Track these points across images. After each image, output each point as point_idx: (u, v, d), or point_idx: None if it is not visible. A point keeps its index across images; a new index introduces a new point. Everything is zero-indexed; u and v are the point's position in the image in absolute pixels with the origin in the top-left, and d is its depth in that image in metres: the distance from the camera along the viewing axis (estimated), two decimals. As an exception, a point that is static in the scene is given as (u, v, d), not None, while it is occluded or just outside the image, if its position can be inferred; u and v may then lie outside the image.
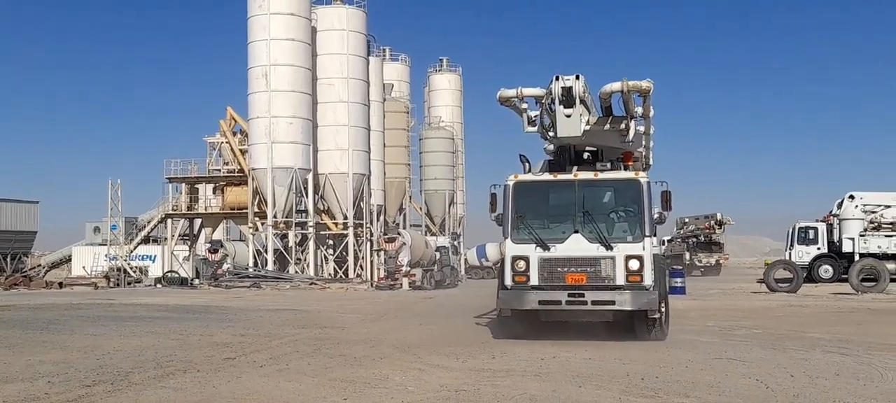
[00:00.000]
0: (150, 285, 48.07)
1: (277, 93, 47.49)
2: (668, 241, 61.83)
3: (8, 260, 63.37)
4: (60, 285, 46.86)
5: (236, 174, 52.52)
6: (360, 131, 52.41)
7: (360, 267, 53.43)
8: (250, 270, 47.68)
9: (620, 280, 14.37)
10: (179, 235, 56.72)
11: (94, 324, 20.15)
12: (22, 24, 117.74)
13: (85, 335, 17.55)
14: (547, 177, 15.43)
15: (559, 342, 14.80)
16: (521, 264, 14.74)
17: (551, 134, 15.04)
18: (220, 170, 53.91)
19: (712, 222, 64.19)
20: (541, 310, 14.95)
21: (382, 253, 50.06)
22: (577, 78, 14.17)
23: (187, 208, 54.59)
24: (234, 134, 53.53)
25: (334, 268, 53.26)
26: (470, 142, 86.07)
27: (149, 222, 56.23)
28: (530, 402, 9.40)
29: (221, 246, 50.19)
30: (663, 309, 14.97)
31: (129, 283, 49.99)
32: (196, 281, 48.59)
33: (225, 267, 48.08)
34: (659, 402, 9.40)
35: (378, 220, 57.72)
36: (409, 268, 45.93)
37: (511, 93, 14.85)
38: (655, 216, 14.71)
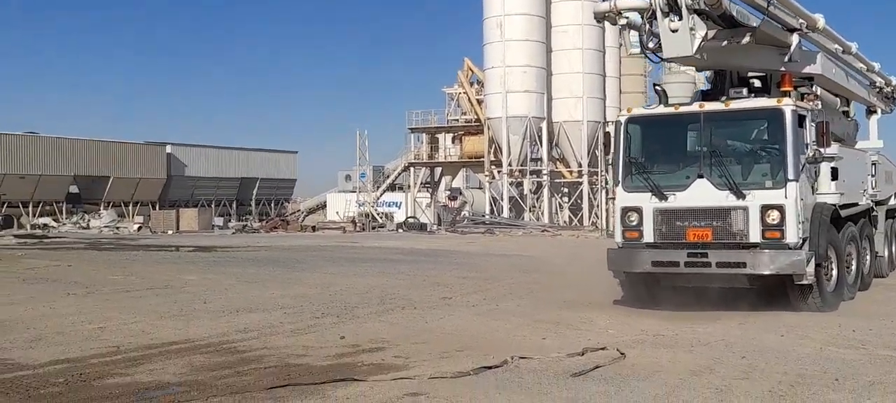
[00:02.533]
0: (392, 230, 50.82)
1: (511, 42, 48.16)
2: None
3: (272, 205, 69.26)
4: (313, 228, 50.65)
5: (473, 124, 54.02)
6: (595, 78, 52.03)
7: (595, 215, 53.41)
8: (486, 217, 49.10)
9: (755, 236, 11.57)
10: (421, 183, 59.34)
11: (335, 264, 21.86)
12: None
13: (324, 273, 19.15)
14: (665, 109, 12.75)
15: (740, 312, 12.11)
16: (634, 217, 12.37)
17: (659, 55, 11.75)
18: (458, 120, 55.70)
19: None
20: (656, 273, 12.46)
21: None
22: None
23: (428, 157, 57.00)
24: (472, 84, 54.97)
25: (569, 217, 53.62)
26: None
27: (394, 170, 59.25)
28: (726, 348, 9.30)
29: (460, 193, 52.05)
30: (826, 273, 12.28)
31: (372, 228, 53.09)
32: (435, 227, 50.75)
33: (463, 213, 49.89)
34: (865, 354, 8.97)
35: (614, 168, 57.13)
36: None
37: (604, 6, 11.74)
38: (809, 154, 11.88)
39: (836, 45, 14.89)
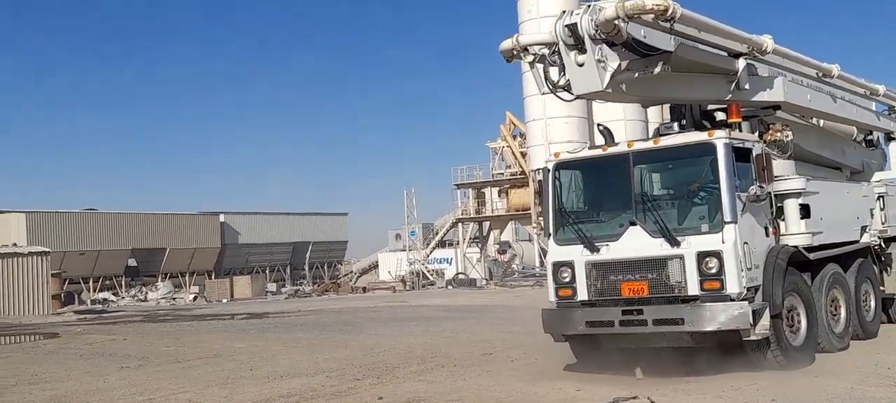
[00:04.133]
0: (442, 287, 51.09)
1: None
2: None
3: (325, 268, 70.17)
4: (364, 290, 51.17)
5: (519, 176, 54.38)
6: (637, 124, 51.94)
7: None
8: (537, 269, 49.17)
9: (693, 288, 10.32)
10: (471, 238, 59.70)
11: (381, 325, 22.20)
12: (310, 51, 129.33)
13: (369, 334, 19.50)
14: (591, 152, 11.73)
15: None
16: (566, 273, 11.22)
17: (567, 94, 10.49)
18: (503, 174, 56.15)
19: None
20: (592, 335, 11.29)
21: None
22: (588, 7, 9.82)
23: (476, 212, 57.47)
24: (514, 137, 55.49)
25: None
26: None
27: (442, 227, 59.75)
28: (755, 391, 9.37)
29: (509, 246, 52.27)
30: (791, 324, 10.99)
31: (422, 286, 53.43)
32: (484, 282, 50.91)
33: (512, 266, 50.05)
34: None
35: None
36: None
37: (508, 44, 10.74)
38: (751, 192, 10.48)
39: (809, 69, 13.36)
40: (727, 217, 10.32)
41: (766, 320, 10.20)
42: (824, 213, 12.14)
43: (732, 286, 10.16)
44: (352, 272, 72.35)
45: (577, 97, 10.46)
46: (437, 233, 60.55)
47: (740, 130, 11.26)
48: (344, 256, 75.74)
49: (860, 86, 15.21)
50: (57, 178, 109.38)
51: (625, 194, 11.12)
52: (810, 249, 11.70)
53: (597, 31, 9.63)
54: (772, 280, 10.60)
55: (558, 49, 10.07)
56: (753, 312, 10.05)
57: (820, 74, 13.47)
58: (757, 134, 11.84)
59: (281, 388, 11.85)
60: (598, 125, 12.33)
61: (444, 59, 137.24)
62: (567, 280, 11.22)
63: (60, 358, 17.56)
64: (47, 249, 40.20)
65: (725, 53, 11.35)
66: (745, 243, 10.38)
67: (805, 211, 11.68)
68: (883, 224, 14.59)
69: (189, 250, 58.49)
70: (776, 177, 11.62)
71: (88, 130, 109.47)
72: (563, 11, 10.09)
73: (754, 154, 10.90)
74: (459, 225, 58.20)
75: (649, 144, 11.29)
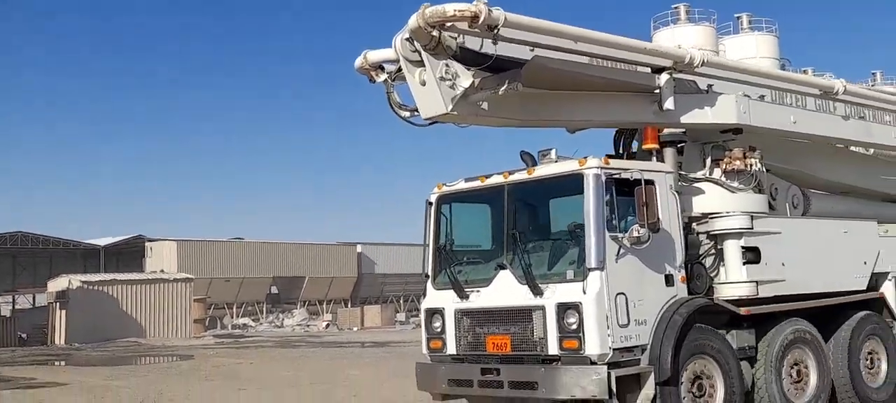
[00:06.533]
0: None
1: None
2: None
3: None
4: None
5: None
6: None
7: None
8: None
9: (553, 346, 8.79)
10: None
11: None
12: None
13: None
14: (470, 184, 10.11)
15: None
16: (437, 322, 9.88)
17: (410, 115, 9.23)
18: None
19: None
20: (453, 396, 9.97)
21: None
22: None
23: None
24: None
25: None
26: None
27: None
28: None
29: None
30: (699, 393, 9.19)
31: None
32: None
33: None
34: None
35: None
36: None
37: (359, 61, 9.32)
38: (634, 234, 8.76)
39: (810, 89, 11.56)
40: (591, 262, 8.71)
41: (650, 389, 8.65)
42: (793, 257, 10.37)
43: (592, 346, 8.53)
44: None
45: (429, 122, 8.84)
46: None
47: (659, 159, 9.75)
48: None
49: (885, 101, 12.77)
50: (207, 209, 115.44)
51: (500, 233, 9.69)
52: (748, 302, 9.85)
53: (412, 42, 8.35)
54: (661, 339, 8.85)
55: (397, 69, 8.84)
56: (618, 379, 8.44)
57: (822, 93, 11.60)
58: (709, 161, 10.41)
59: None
60: (522, 152, 10.12)
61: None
62: (438, 330, 9.90)
63: (188, 379, 18.82)
64: (191, 276, 42.67)
65: (647, 68, 9.76)
66: (621, 294, 8.74)
67: (754, 255, 10.00)
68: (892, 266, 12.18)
69: (327, 279, 60.46)
70: (712, 214, 10.04)
71: (237, 165, 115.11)
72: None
73: (637, 186, 8.90)
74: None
75: (523, 175, 9.65)
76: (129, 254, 59.81)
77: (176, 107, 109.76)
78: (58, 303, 38.82)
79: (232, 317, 53.73)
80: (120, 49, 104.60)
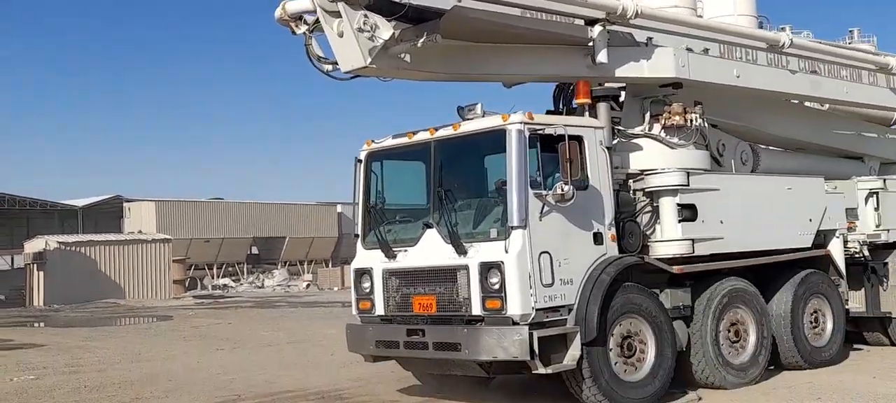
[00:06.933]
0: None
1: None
2: None
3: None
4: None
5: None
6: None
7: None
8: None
9: (476, 307, 8.69)
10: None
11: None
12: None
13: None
14: (397, 140, 9.88)
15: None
16: (366, 282, 9.78)
17: (332, 68, 8.94)
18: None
19: None
20: (382, 358, 10.00)
21: None
22: None
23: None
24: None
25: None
26: None
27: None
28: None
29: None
30: (629, 354, 9.03)
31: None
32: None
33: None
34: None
35: None
36: None
37: (278, 12, 8.86)
38: (558, 191, 8.55)
39: (756, 42, 11.29)
40: (513, 221, 8.52)
41: (576, 349, 8.48)
42: (733, 214, 10.14)
43: (514, 306, 8.39)
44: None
45: (351, 76, 8.68)
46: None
47: (592, 114, 9.42)
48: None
49: (858, 59, 12.68)
50: (187, 170, 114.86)
51: (428, 191, 9.47)
52: (683, 260, 9.65)
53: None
54: (588, 298, 8.68)
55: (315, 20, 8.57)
56: (541, 339, 8.29)
57: (768, 46, 11.35)
58: (648, 116, 10.18)
59: (353, 373, 12.43)
60: (459, 107, 9.71)
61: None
62: (367, 291, 9.78)
63: (166, 340, 18.87)
64: (169, 236, 42.44)
65: (579, 19, 9.48)
66: (545, 252, 8.57)
67: (691, 212, 9.77)
68: (877, 227, 12.26)
69: (307, 239, 60.46)
70: (649, 170, 9.88)
71: (219, 121, 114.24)
72: None
73: (560, 143, 8.66)
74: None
75: (449, 131, 9.37)
76: (106, 215, 59.39)
77: (153, 64, 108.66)
78: (35, 265, 38.64)
79: (212, 278, 53.68)
80: (94, 5, 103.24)
